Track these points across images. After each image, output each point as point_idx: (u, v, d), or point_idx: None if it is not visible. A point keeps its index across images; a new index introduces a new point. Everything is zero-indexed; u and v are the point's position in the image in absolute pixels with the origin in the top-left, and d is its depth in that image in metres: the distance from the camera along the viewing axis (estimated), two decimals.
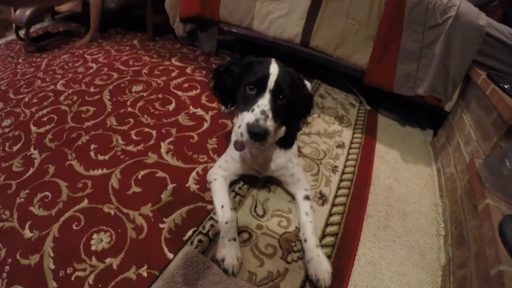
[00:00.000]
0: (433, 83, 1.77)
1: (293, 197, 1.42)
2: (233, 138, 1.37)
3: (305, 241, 1.19)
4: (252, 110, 1.05)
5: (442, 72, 1.75)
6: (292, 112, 1.19)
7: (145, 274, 1.09)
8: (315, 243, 1.17)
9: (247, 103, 1.09)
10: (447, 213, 1.45)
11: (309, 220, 1.26)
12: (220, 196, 1.30)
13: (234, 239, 1.16)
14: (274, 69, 1.10)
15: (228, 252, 1.11)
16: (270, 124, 1.03)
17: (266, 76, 1.08)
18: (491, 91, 1.44)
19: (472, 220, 1.17)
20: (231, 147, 1.38)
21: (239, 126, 1.07)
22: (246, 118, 1.04)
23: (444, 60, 1.72)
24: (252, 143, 1.05)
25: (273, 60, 1.15)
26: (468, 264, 1.06)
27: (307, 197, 1.35)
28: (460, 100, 1.84)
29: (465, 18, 1.62)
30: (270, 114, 1.04)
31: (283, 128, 1.25)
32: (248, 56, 1.21)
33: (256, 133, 1.01)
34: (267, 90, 1.07)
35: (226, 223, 1.19)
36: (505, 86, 1.42)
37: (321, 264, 1.11)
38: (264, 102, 1.05)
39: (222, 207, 1.25)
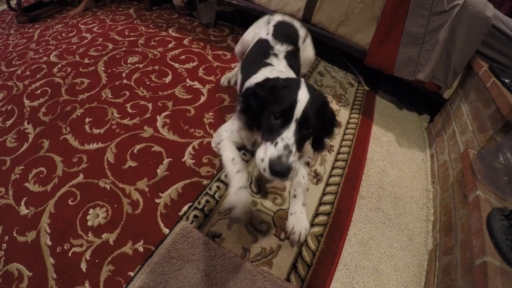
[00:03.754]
0: (434, 69, 1.76)
1: None
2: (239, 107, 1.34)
3: (295, 196, 1.23)
4: (276, 144, 0.96)
5: (444, 59, 1.73)
6: (315, 135, 1.13)
7: (141, 249, 1.11)
8: (303, 201, 1.21)
9: (272, 133, 1.00)
10: (437, 199, 1.48)
11: (304, 182, 1.27)
12: (230, 151, 1.29)
13: (245, 187, 1.14)
14: (302, 95, 0.99)
15: (238, 200, 1.09)
16: (293, 160, 0.95)
17: (293, 105, 0.97)
18: (492, 84, 1.43)
19: (461, 209, 1.20)
20: (236, 116, 1.34)
21: (262, 160, 0.98)
22: (269, 153, 0.96)
23: (447, 48, 1.69)
24: (274, 179, 1.00)
25: (302, 82, 1.04)
26: (454, 252, 1.10)
27: (307, 163, 1.36)
28: (459, 89, 1.83)
29: (472, 7, 1.58)
30: (293, 149, 0.96)
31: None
32: (274, 78, 1.11)
33: (278, 171, 0.94)
34: (293, 120, 0.97)
35: (238, 171, 1.18)
36: (506, 81, 1.41)
37: (301, 220, 1.15)
38: (288, 135, 0.97)
39: (233, 159, 1.24)
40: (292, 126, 0.97)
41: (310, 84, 1.05)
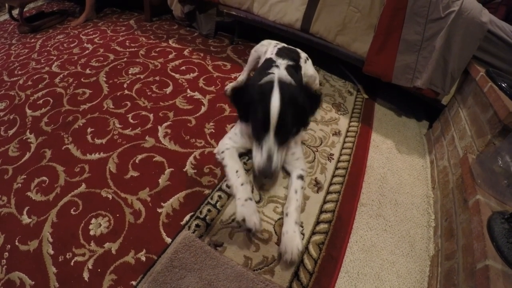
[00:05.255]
0: (432, 76, 1.78)
1: (289, 174, 1.47)
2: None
3: (287, 215, 1.24)
4: (261, 149, 1.18)
5: (441, 65, 1.75)
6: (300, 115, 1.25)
7: (143, 259, 1.11)
8: (295, 220, 1.21)
9: (257, 138, 1.21)
10: (438, 205, 1.48)
11: (296, 198, 1.30)
12: (234, 162, 1.36)
13: (251, 199, 1.22)
14: (275, 102, 1.14)
15: (247, 211, 1.16)
16: (276, 162, 1.17)
17: (267, 116, 1.14)
18: (489, 89, 1.44)
19: (462, 214, 1.20)
20: (239, 122, 1.44)
21: (256, 165, 1.21)
22: (256, 160, 1.20)
23: (444, 54, 1.72)
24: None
25: (275, 84, 1.18)
26: (456, 257, 1.09)
27: (300, 177, 1.39)
28: (457, 95, 1.85)
29: (467, 13, 1.61)
30: (275, 156, 1.17)
31: None
32: (250, 84, 1.30)
33: (266, 176, 1.21)
34: (271, 129, 1.16)
35: (242, 184, 1.25)
36: (503, 85, 1.42)
37: (293, 240, 1.15)
38: (269, 143, 1.17)
39: (237, 171, 1.31)
40: (271, 134, 1.16)
41: (284, 83, 1.23)
